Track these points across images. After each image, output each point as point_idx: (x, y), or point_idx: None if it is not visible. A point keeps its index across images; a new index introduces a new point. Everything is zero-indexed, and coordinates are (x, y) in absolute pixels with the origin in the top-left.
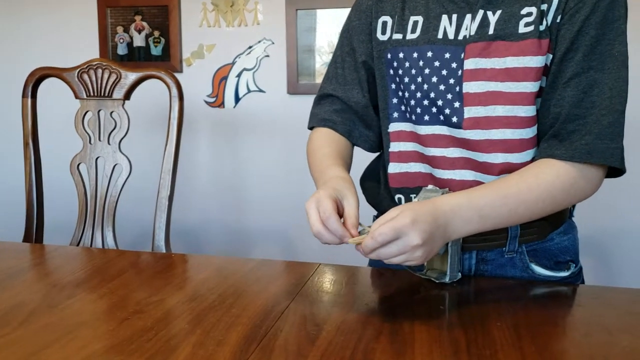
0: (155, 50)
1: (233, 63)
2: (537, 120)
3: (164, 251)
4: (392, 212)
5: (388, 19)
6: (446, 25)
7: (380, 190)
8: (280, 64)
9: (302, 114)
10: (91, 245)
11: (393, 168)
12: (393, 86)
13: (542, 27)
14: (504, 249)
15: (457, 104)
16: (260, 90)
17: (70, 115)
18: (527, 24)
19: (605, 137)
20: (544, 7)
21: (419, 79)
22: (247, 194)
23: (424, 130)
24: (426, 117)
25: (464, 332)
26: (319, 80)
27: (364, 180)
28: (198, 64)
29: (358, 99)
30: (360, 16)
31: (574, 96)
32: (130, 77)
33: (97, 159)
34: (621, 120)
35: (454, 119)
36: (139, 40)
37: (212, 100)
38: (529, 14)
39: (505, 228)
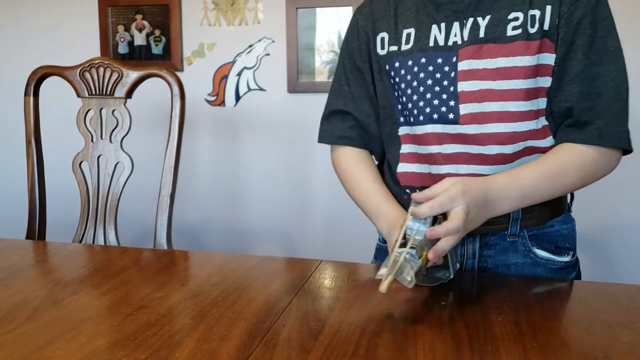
0: (156, 49)
1: (233, 62)
2: (540, 114)
3: (165, 248)
4: (445, 183)
5: (385, 35)
6: (436, 34)
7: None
8: (281, 62)
9: (302, 112)
10: (93, 243)
11: (402, 168)
12: (396, 94)
13: (532, 30)
14: (505, 232)
15: (452, 103)
16: (261, 89)
17: (72, 113)
18: (514, 28)
19: (613, 122)
20: (535, 12)
21: (415, 83)
22: (247, 192)
23: (420, 129)
24: (421, 117)
25: (466, 327)
26: (318, 78)
27: None
28: (199, 62)
29: (369, 113)
30: (358, 37)
31: (581, 91)
32: (132, 75)
33: (99, 157)
34: (626, 106)
35: (451, 116)
36: (139, 39)
37: (212, 98)
38: (516, 19)
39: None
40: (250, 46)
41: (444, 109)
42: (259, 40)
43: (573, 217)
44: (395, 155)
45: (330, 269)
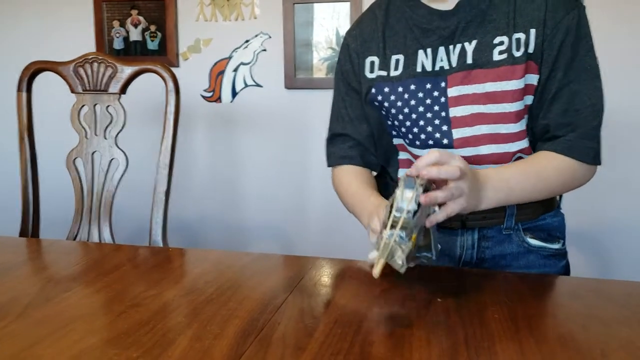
0: (152, 45)
1: (230, 57)
2: (527, 133)
3: (161, 246)
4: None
5: (375, 58)
6: (423, 59)
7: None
8: (278, 58)
9: (299, 108)
10: (88, 240)
11: (402, 172)
12: (387, 116)
13: (518, 54)
14: (502, 226)
15: (445, 127)
16: (258, 85)
17: (66, 109)
18: (500, 52)
19: (585, 137)
20: (520, 36)
21: (406, 110)
22: (244, 189)
23: (418, 152)
24: (417, 142)
25: (462, 324)
26: (316, 74)
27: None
28: (195, 58)
29: (367, 133)
30: (350, 59)
31: (560, 107)
32: (126, 71)
33: (93, 153)
34: (601, 123)
35: (445, 141)
36: (135, 35)
37: (209, 94)
38: (502, 43)
39: (503, 207)
40: (247, 42)
41: (437, 134)
42: (256, 36)
43: (562, 212)
44: (394, 163)
45: (327, 266)
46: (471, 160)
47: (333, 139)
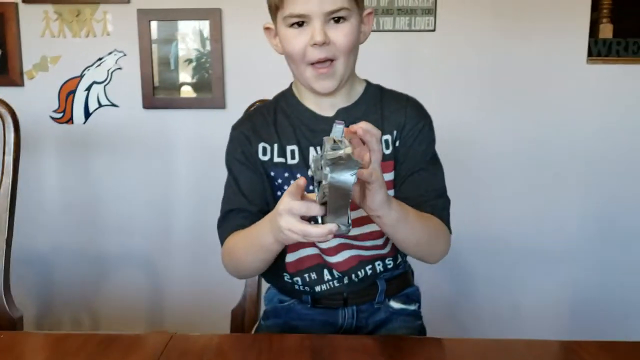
0: None
1: (81, 76)
2: None
3: (5, 304)
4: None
5: (267, 145)
6: (314, 154)
7: (277, 273)
8: (135, 76)
9: (159, 128)
10: None
11: (290, 257)
12: (279, 193)
13: (387, 152)
14: (374, 301)
15: None
16: (113, 105)
17: None
18: (387, 148)
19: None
20: (388, 137)
21: None
22: (102, 215)
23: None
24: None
25: None
26: (182, 94)
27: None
28: (41, 76)
29: (260, 208)
30: (241, 145)
31: (412, 190)
32: None
33: None
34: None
35: None
36: None
37: (59, 115)
38: (386, 141)
39: (376, 286)
40: (100, 59)
41: None
42: (110, 53)
43: (417, 285)
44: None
45: (185, 344)
46: (357, 237)
47: (226, 215)
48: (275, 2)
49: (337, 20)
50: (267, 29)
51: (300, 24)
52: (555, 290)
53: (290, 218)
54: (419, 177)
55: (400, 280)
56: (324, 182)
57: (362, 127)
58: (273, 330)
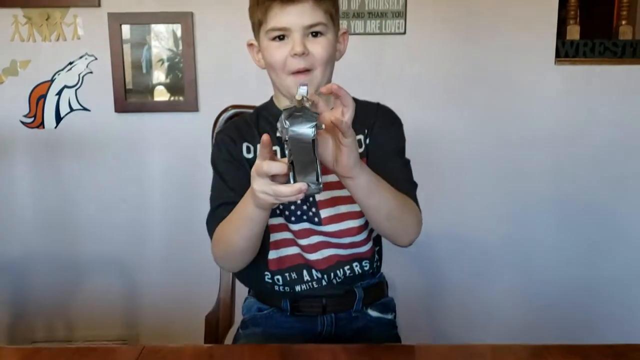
0: None
1: (52, 80)
2: None
3: None
4: None
5: (250, 145)
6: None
7: (258, 273)
8: (106, 80)
9: (131, 132)
10: None
11: (273, 255)
12: None
13: (360, 150)
14: (352, 310)
15: (314, 209)
16: (85, 109)
17: None
18: (360, 147)
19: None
20: (360, 136)
21: None
22: (76, 220)
23: (295, 227)
24: (293, 218)
25: None
26: (153, 98)
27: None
28: (11, 81)
29: None
30: (227, 146)
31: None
32: None
33: None
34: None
35: (316, 219)
36: None
37: (29, 120)
38: (359, 140)
39: (354, 294)
40: (71, 63)
41: (311, 213)
42: (80, 57)
43: (392, 297)
44: (265, 242)
45: (155, 357)
46: (335, 233)
47: (214, 210)
48: (258, 17)
49: (315, 34)
50: (250, 45)
51: (281, 38)
52: (525, 289)
53: (261, 180)
54: (388, 168)
55: (377, 289)
56: (285, 137)
57: (334, 85)
58: (252, 339)
